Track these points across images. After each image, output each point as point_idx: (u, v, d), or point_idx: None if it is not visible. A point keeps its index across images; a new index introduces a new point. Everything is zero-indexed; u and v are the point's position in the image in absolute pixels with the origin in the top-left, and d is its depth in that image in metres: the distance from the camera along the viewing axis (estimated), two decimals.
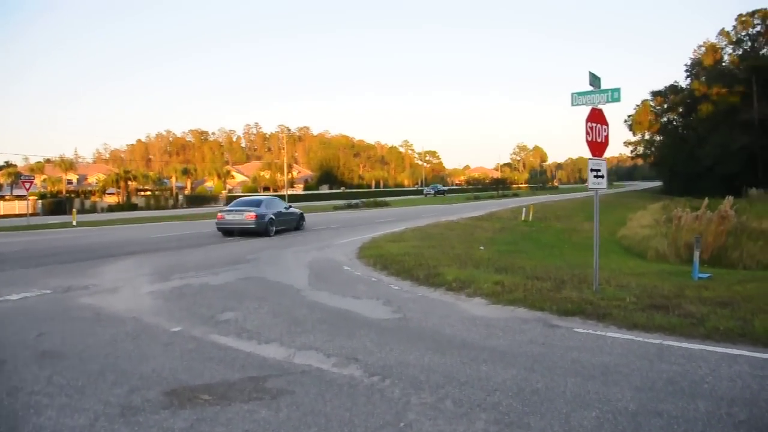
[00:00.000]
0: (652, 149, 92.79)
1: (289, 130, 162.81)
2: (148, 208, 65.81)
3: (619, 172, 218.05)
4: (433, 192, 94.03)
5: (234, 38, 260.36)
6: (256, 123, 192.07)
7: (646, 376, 5.21)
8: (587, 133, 8.94)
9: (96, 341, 6.81)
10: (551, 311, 7.97)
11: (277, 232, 22.16)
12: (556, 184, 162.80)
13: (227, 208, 24.01)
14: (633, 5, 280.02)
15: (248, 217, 21.11)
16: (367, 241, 18.86)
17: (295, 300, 9.34)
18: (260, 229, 21.06)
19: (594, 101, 9.11)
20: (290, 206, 25.58)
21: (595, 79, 9.14)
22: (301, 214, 25.30)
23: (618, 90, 8.98)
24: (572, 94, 9.40)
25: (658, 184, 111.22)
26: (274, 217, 22.05)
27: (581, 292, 9.00)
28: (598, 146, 9.14)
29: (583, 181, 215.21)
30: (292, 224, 24.18)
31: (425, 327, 7.35)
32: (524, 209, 32.77)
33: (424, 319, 7.75)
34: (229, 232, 21.72)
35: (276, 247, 17.60)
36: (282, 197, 72.45)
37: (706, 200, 18.60)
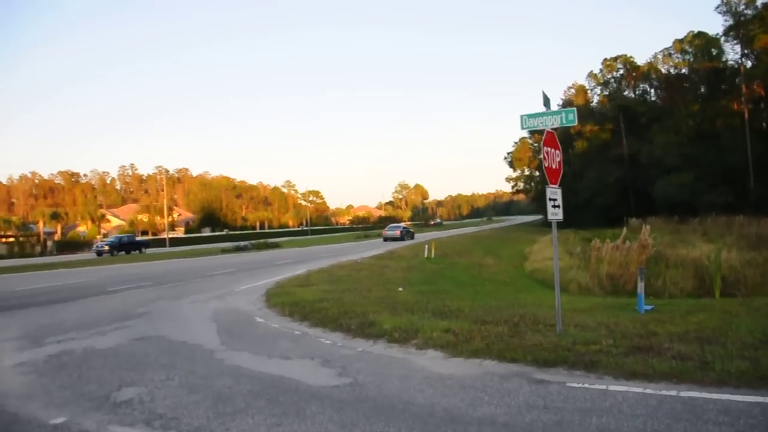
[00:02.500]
0: (531, 184, 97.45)
1: (167, 171, 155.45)
2: (11, 256, 58.71)
3: (497, 208, 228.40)
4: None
5: (104, 72, 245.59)
6: (132, 164, 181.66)
7: None
8: (544, 158, 8.05)
9: None
10: (526, 362, 6.81)
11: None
12: (438, 220, 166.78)
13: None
14: (504, 47, 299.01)
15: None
16: (272, 286, 17.12)
17: (212, 365, 7.51)
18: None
19: (546, 123, 8.24)
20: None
21: (547, 101, 8.29)
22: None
23: (573, 111, 8.20)
24: (521, 116, 8.50)
25: (537, 217, 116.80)
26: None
27: (545, 336, 7.94)
28: (553, 173, 8.25)
29: (463, 217, 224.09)
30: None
31: (389, 395, 5.88)
32: (426, 246, 32.13)
33: (382, 384, 6.28)
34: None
35: (168, 298, 15.37)
36: (162, 241, 69.24)
37: (624, 230, 18.68)
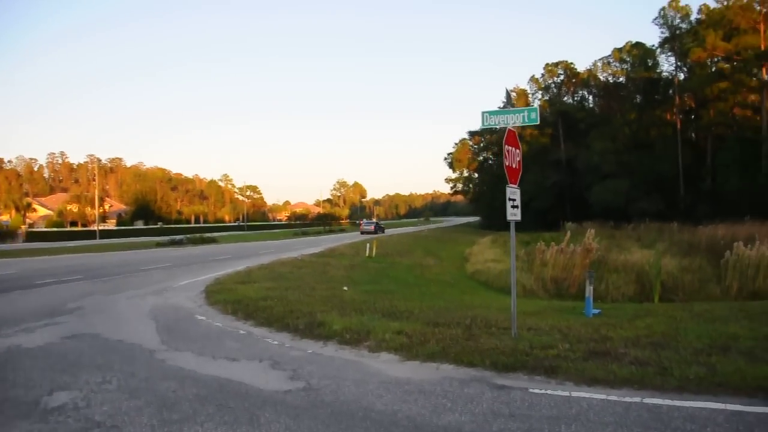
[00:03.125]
0: (470, 185, 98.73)
1: (99, 160, 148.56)
2: None
3: (435, 208, 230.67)
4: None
5: (34, 56, 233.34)
6: (62, 152, 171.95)
7: None
8: (505, 156, 7.87)
9: None
10: (485, 366, 6.62)
11: None
12: (375, 219, 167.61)
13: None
14: (448, 49, 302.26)
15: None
16: (211, 282, 16.46)
17: (153, 367, 6.99)
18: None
19: (508, 122, 8.07)
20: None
21: (508, 98, 8.14)
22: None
23: (535, 110, 8.07)
24: (482, 113, 8.30)
25: (474, 219, 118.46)
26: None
27: (500, 340, 7.78)
28: (513, 172, 8.10)
29: (401, 216, 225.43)
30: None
31: (346, 400, 5.56)
32: (368, 245, 31.86)
33: (338, 389, 5.94)
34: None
35: (102, 293, 14.51)
36: (93, 233, 66.42)
37: (568, 234, 18.84)
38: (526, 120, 8.00)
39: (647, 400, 5.30)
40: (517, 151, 8.22)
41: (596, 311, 10.92)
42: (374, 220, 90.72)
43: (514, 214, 8.09)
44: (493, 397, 5.54)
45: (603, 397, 5.46)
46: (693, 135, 63.80)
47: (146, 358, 7.46)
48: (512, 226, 8.41)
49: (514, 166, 8.08)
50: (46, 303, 12.73)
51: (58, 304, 12.41)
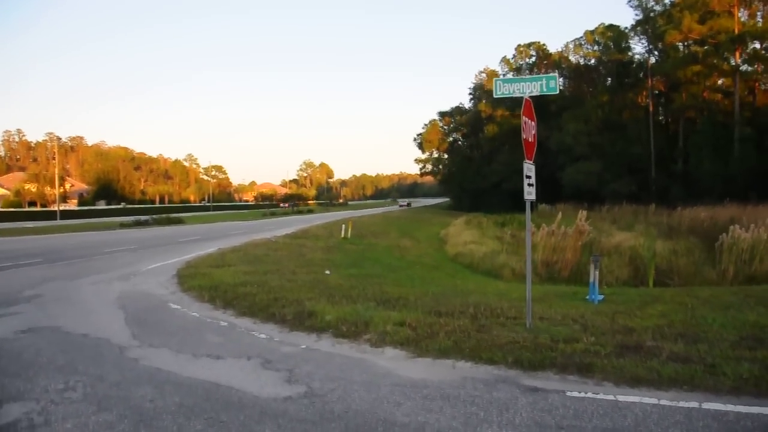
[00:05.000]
0: (440, 167, 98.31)
1: (59, 138, 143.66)
2: None
3: (401, 189, 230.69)
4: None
5: None
6: (19, 130, 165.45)
7: None
8: (523, 129, 7.05)
9: None
10: (507, 364, 5.86)
11: None
12: (341, 200, 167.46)
13: None
14: (417, 28, 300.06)
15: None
16: (182, 266, 15.44)
17: (125, 368, 6.00)
18: None
19: (524, 90, 7.25)
20: None
21: (520, 67, 7.30)
22: None
23: (554, 78, 7.27)
24: (495, 81, 7.51)
25: (443, 200, 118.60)
26: None
27: (515, 332, 7.03)
28: (530, 146, 7.30)
29: (367, 197, 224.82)
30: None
31: (359, 410, 4.71)
32: (343, 226, 30.92)
33: (346, 395, 5.10)
34: None
35: (63, 278, 13.34)
36: (53, 214, 63.99)
37: (560, 215, 18.19)
38: (545, 89, 7.19)
39: (707, 405, 4.61)
40: (533, 123, 7.41)
41: (600, 297, 10.28)
42: (407, 200, 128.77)
43: (529, 193, 7.30)
44: (529, 403, 4.77)
45: (654, 401, 4.75)
46: (664, 118, 64.11)
47: (116, 357, 6.47)
48: (527, 207, 7.63)
49: (530, 139, 7.27)
50: (0, 289, 11.57)
51: (14, 291, 11.26)
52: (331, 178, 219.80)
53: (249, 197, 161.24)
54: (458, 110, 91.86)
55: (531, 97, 7.27)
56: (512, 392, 5.07)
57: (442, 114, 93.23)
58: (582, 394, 4.96)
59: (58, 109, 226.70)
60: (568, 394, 4.99)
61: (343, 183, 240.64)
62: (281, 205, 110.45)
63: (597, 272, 10.22)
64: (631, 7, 59.48)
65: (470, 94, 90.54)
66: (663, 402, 4.72)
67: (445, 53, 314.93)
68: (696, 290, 11.81)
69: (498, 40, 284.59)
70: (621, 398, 4.84)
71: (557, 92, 7.18)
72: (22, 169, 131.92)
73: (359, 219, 46.91)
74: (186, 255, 18.58)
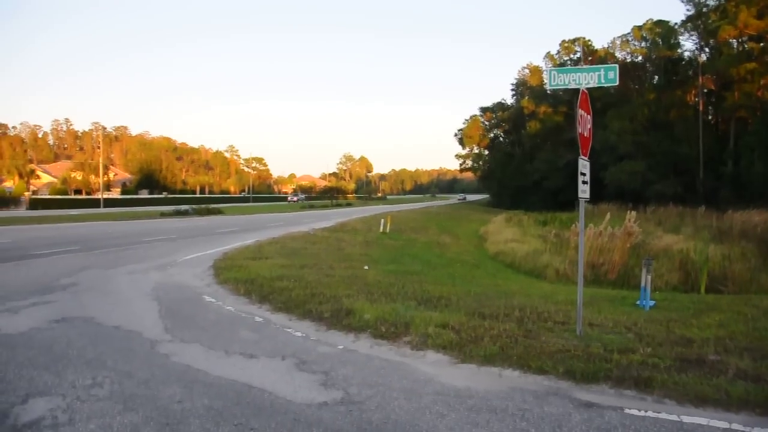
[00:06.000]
0: (480, 163, 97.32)
1: (104, 128, 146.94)
2: None
3: (441, 185, 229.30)
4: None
5: (39, 22, 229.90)
6: (67, 119, 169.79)
7: None
8: (578, 123, 6.59)
9: None
10: (558, 375, 5.45)
11: None
12: (380, 195, 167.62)
13: None
14: (461, 26, 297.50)
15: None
16: (219, 257, 15.35)
17: (154, 364, 5.79)
18: None
19: (580, 81, 6.78)
20: None
21: (580, 57, 6.83)
22: None
23: (614, 68, 6.77)
24: (550, 70, 7.04)
25: (482, 196, 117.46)
26: None
27: (564, 339, 6.60)
28: (585, 141, 6.83)
29: (406, 192, 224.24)
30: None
31: (400, 421, 4.37)
32: (382, 221, 30.65)
33: (385, 403, 4.77)
34: None
35: (100, 266, 13.36)
36: (96, 201, 65.44)
37: (608, 215, 17.51)
38: (603, 80, 6.72)
39: None
40: (589, 117, 6.94)
41: (651, 303, 9.73)
42: (462, 194, 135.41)
43: (584, 191, 6.84)
44: (584, 420, 4.37)
45: (725, 425, 4.30)
46: (713, 118, 61.95)
47: (146, 352, 6.28)
48: (581, 205, 7.17)
49: (585, 134, 6.81)
50: (38, 277, 11.59)
51: (51, 279, 11.26)
52: (370, 172, 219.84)
53: (288, 189, 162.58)
54: (500, 106, 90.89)
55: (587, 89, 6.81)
56: (565, 407, 4.66)
57: (484, 110, 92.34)
58: (642, 413, 4.53)
59: (104, 100, 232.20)
60: (627, 411, 4.57)
61: (383, 177, 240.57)
62: (289, 198, 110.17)
63: (649, 277, 9.66)
64: (683, 2, 57.58)
65: (512, 90, 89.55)
66: (735, 426, 4.27)
67: (488, 49, 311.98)
68: (754, 299, 11.11)
69: (542, 36, 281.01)
70: (686, 419, 4.40)
71: (617, 83, 6.66)
72: (69, 157, 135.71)
73: (398, 214, 46.63)
74: (224, 246, 18.54)
